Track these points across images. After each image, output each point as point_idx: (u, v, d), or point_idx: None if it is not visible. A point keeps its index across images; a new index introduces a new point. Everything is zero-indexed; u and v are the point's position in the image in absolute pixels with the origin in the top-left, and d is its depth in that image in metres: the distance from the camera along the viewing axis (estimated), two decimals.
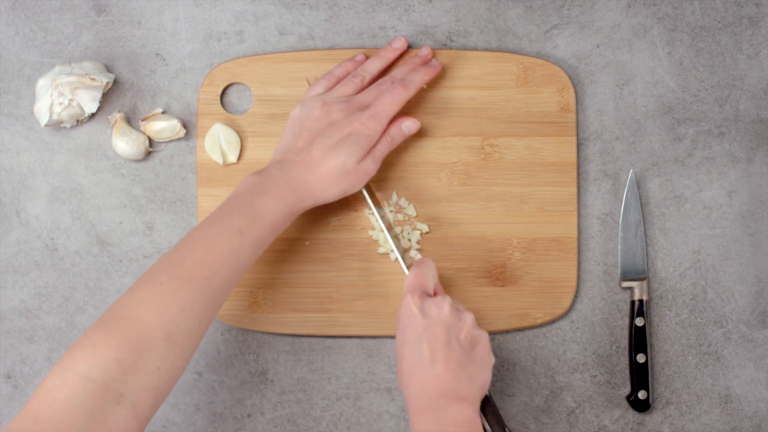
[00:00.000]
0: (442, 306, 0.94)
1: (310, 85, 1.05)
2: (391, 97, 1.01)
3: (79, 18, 1.09)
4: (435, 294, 0.98)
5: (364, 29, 1.09)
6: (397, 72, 1.04)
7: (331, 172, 0.98)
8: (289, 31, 1.09)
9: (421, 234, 1.06)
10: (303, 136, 1.00)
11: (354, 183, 0.99)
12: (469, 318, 0.95)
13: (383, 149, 1.01)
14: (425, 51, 1.05)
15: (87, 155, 1.08)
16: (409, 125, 1.03)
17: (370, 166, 1.00)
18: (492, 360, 0.96)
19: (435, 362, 0.92)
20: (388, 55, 1.05)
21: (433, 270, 0.99)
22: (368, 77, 1.03)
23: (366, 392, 1.07)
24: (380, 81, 1.03)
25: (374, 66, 1.04)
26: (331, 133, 0.99)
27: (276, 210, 0.95)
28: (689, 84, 1.09)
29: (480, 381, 0.94)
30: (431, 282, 0.98)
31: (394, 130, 1.02)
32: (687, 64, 1.09)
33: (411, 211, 1.06)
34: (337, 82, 1.03)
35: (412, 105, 1.07)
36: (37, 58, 1.09)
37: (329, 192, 0.98)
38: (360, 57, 1.06)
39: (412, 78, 1.03)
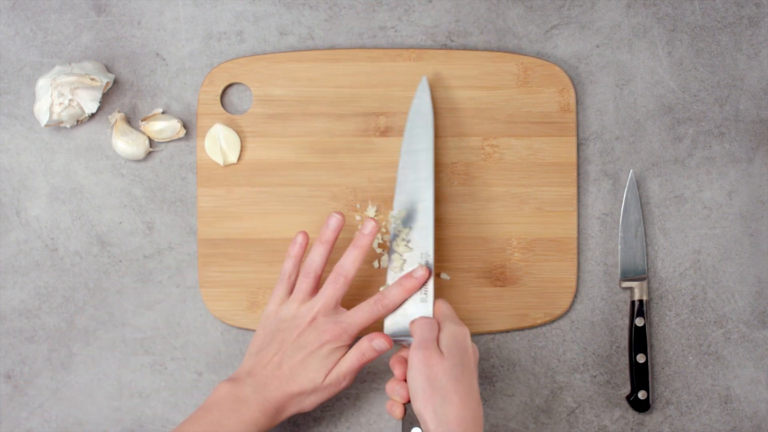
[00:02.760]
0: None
1: None
2: (362, 312, 0.99)
3: (79, 18, 1.09)
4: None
5: (364, 29, 1.09)
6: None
7: (302, 389, 0.97)
8: (289, 31, 1.09)
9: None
10: (272, 347, 0.98)
11: (327, 395, 0.98)
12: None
13: (352, 364, 0.98)
14: (420, 272, 1.00)
15: (87, 155, 1.08)
16: (379, 344, 0.98)
17: (342, 382, 0.98)
18: None
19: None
20: (329, 237, 1.00)
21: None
22: (319, 269, 1.00)
23: (366, 392, 1.07)
24: (335, 274, 1.00)
25: (318, 256, 1.00)
26: (301, 346, 0.97)
27: None
28: (689, 84, 1.09)
29: None
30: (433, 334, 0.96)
31: (364, 345, 0.99)
32: (687, 64, 1.09)
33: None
34: (293, 278, 1.01)
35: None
36: (37, 58, 1.09)
37: (303, 405, 0.98)
38: (300, 239, 1.02)
39: (390, 296, 0.99)
